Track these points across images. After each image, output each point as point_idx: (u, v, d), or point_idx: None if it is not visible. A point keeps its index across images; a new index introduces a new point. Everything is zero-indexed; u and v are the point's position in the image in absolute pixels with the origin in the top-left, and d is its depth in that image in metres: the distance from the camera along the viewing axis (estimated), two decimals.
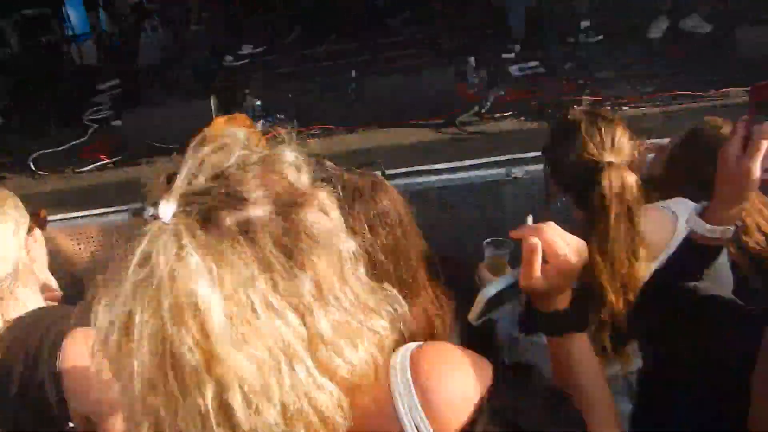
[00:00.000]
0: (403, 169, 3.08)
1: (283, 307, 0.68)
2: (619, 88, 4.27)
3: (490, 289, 1.01)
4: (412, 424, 0.79)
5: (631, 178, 1.56)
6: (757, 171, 1.12)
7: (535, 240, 0.97)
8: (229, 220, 0.69)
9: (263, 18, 7.40)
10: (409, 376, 0.81)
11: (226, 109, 4.23)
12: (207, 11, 8.44)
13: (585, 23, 5.15)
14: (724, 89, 3.81)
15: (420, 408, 0.79)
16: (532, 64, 4.73)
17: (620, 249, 1.56)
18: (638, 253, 1.57)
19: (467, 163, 3.12)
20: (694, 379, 1.24)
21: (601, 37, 5.19)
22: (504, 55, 5.10)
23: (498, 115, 4.05)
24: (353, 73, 4.45)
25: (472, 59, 4.40)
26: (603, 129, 1.59)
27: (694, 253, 1.27)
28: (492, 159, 3.11)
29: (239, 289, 0.66)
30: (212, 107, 4.20)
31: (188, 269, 0.65)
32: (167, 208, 0.68)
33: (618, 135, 1.60)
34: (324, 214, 0.75)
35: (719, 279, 1.36)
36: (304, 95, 4.93)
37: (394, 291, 0.82)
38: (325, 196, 0.78)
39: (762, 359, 0.92)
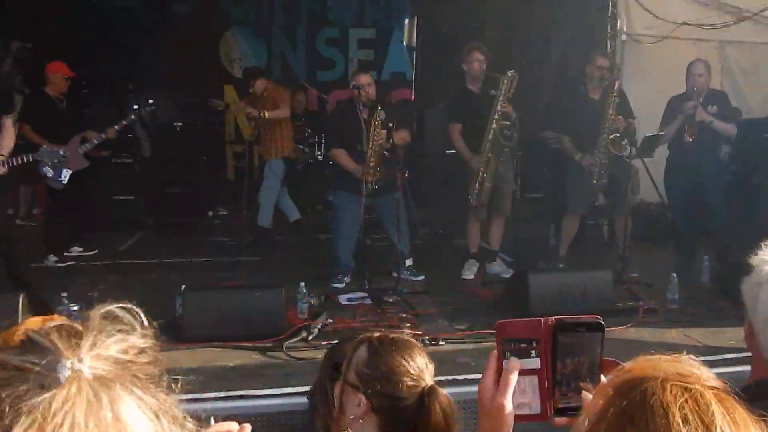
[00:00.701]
0: (221, 393, 3.00)
1: None
2: (437, 323, 4.61)
3: None
4: None
5: (449, 397, 1.58)
6: (509, 405, 1.14)
7: None
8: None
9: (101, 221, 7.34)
10: None
11: (35, 309, 3.94)
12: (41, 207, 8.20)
13: (408, 262, 5.69)
14: None
15: None
16: (360, 294, 5.01)
17: None
18: None
19: (286, 390, 3.12)
20: None
21: (422, 276, 5.73)
22: (334, 285, 5.40)
23: (325, 342, 4.15)
24: (182, 288, 4.43)
25: (302, 285, 4.58)
26: (409, 353, 1.59)
27: None
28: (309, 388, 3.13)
29: None
30: (20, 305, 3.88)
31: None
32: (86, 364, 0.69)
33: (425, 358, 1.61)
34: None
35: None
36: (129, 305, 4.75)
37: None
38: None
39: None
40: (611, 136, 5.45)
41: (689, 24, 8.28)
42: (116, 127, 6.26)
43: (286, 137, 6.83)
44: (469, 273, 5.79)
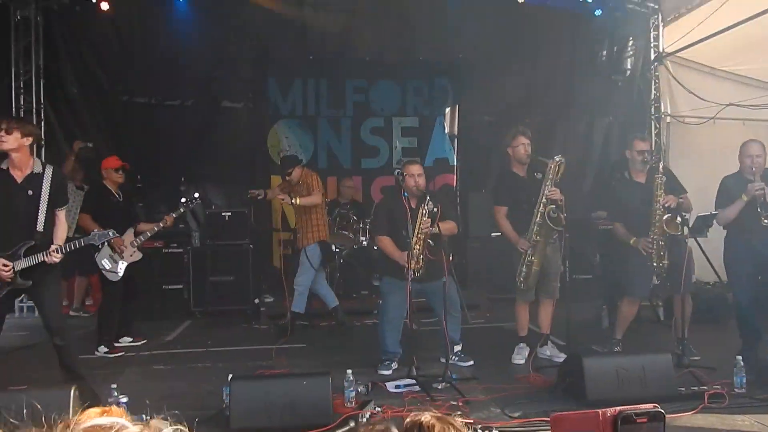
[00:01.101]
0: None
1: None
2: (489, 411, 4.43)
3: None
4: None
5: None
6: None
7: None
8: None
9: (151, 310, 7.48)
10: None
11: (86, 401, 3.95)
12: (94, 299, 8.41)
13: (457, 347, 5.57)
14: None
15: None
16: (408, 381, 4.88)
17: None
18: None
19: None
20: None
21: (471, 362, 5.58)
22: (381, 371, 5.29)
23: None
24: (229, 377, 4.39)
25: (349, 372, 4.49)
26: None
27: None
28: None
29: None
30: (71, 397, 3.91)
31: None
32: None
33: None
34: None
35: None
36: (176, 397, 4.77)
37: None
38: None
39: None
40: (665, 217, 5.33)
41: (735, 105, 8.23)
42: (164, 222, 6.44)
43: (321, 222, 6.93)
44: (520, 357, 5.61)
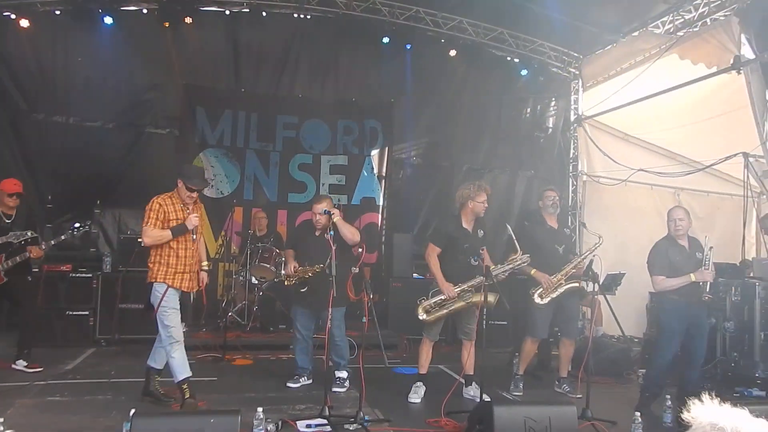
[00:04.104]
0: None
1: None
2: None
3: None
4: None
5: None
6: None
7: None
8: None
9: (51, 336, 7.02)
10: None
11: None
12: None
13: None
14: None
15: None
16: (319, 421, 4.76)
17: None
18: None
19: None
20: None
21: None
22: (288, 384, 5.64)
23: None
24: (131, 412, 4.17)
25: (260, 410, 4.37)
26: None
27: None
28: None
29: None
30: None
31: None
32: None
33: None
34: None
35: None
36: None
37: None
38: None
39: None
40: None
41: (645, 170, 8.78)
42: (43, 246, 6.21)
43: None
44: (416, 397, 5.69)
